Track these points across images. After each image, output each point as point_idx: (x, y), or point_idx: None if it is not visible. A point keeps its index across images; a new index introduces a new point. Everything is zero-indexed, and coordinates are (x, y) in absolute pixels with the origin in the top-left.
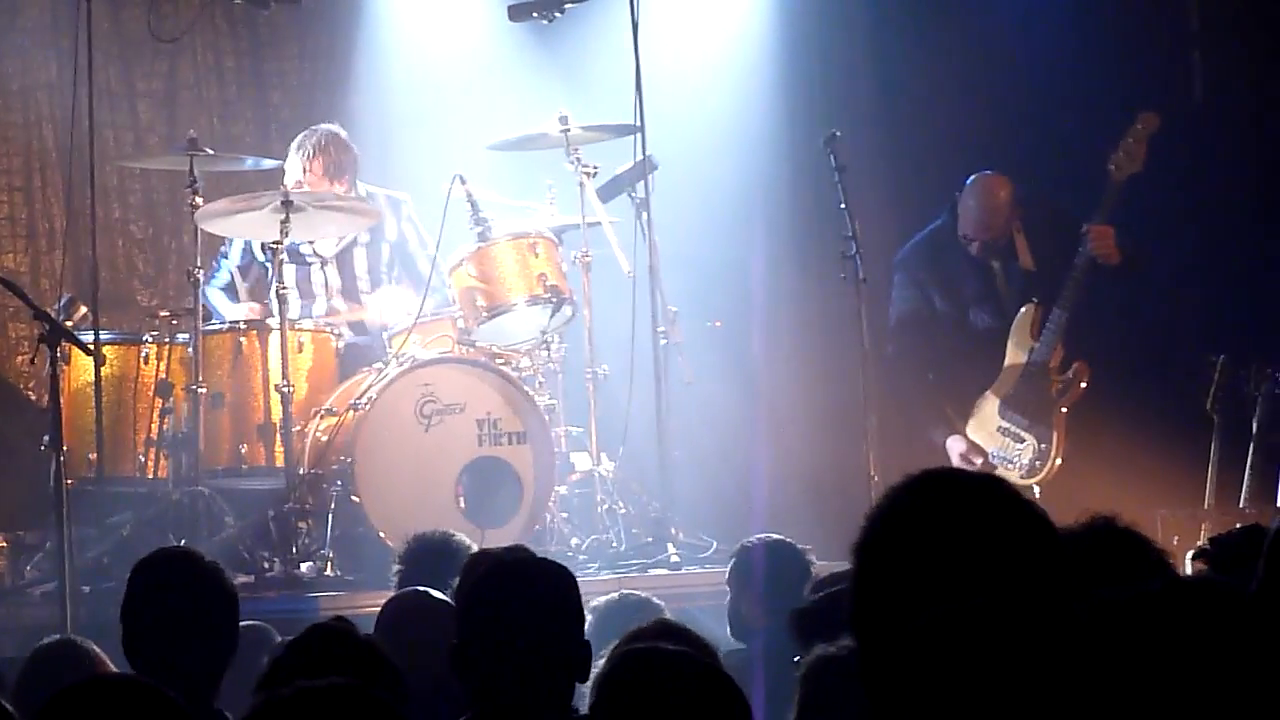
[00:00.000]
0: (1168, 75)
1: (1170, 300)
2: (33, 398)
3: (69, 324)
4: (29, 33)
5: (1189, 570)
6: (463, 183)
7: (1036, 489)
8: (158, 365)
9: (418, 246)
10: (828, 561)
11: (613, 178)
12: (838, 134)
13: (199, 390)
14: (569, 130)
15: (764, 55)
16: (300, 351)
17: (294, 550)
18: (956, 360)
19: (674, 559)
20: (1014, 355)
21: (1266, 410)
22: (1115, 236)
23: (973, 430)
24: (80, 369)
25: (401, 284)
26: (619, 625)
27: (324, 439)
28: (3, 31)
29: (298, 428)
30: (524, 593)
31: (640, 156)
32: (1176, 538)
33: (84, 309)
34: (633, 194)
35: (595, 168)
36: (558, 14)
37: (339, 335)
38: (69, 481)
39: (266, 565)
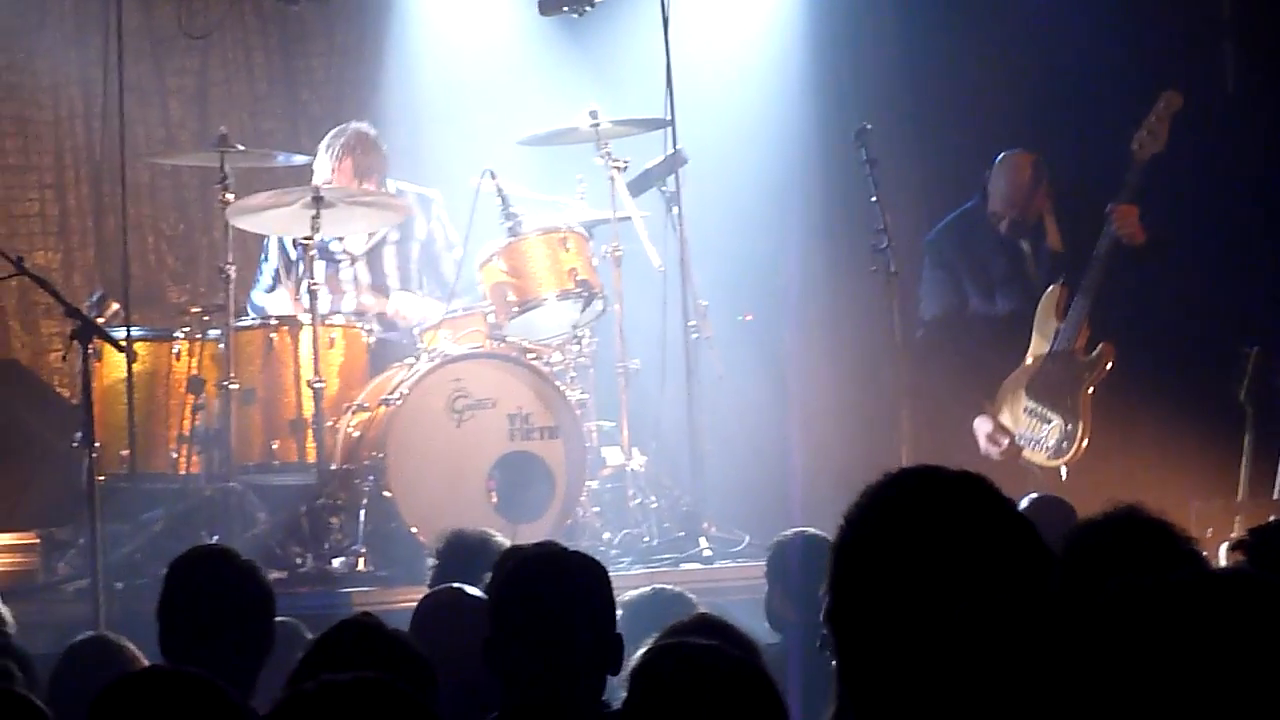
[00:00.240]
0: (1199, 64)
1: (1203, 291)
2: (65, 394)
3: (100, 320)
4: (60, 30)
5: (1224, 561)
6: (493, 177)
7: (1064, 470)
8: (189, 361)
9: (443, 247)
10: None
11: (643, 172)
12: (869, 126)
13: (230, 386)
14: (599, 125)
15: (794, 48)
16: (331, 347)
17: (326, 546)
18: (983, 343)
19: (706, 553)
20: (1039, 336)
21: None
22: (1140, 216)
23: (999, 411)
24: (112, 365)
25: (423, 288)
26: (651, 620)
27: (356, 434)
28: (33, 29)
29: (329, 423)
30: (556, 587)
31: (671, 150)
32: (1210, 529)
33: (115, 305)
34: (663, 188)
35: (626, 162)
36: (588, 8)
37: (370, 331)
38: (101, 478)
39: (299, 561)
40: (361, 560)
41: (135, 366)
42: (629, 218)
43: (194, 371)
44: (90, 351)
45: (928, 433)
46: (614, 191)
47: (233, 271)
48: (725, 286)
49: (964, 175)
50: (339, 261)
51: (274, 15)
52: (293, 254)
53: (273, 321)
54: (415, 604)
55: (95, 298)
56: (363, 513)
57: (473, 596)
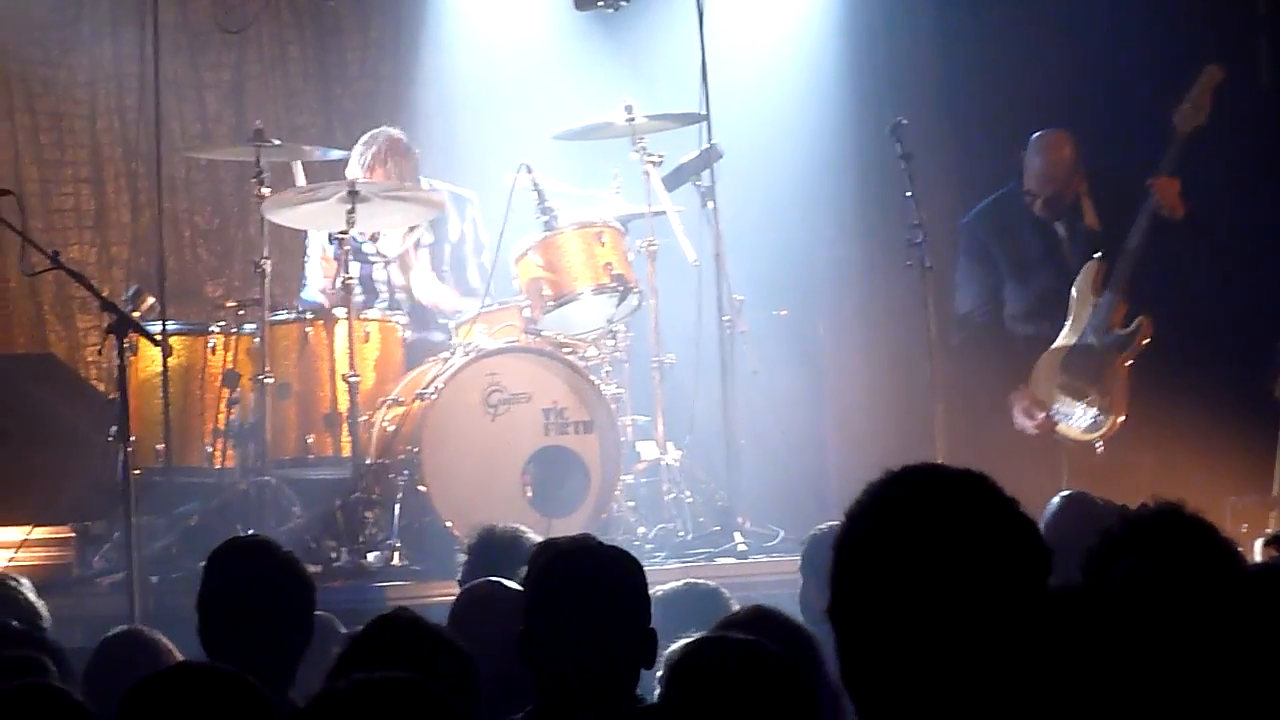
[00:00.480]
0: (1235, 59)
1: (1237, 287)
2: (100, 388)
3: (136, 315)
4: (96, 25)
5: (1259, 557)
6: (528, 172)
7: (1099, 445)
8: (224, 355)
9: (472, 249)
10: None
11: (678, 166)
12: (903, 121)
13: (266, 380)
14: (634, 119)
15: (829, 42)
16: (366, 341)
17: (361, 540)
18: (1016, 339)
19: (741, 548)
20: (1077, 311)
21: None
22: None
23: (1034, 386)
24: (147, 359)
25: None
26: (684, 614)
27: (390, 429)
28: (69, 24)
29: (364, 417)
30: (590, 581)
31: (705, 145)
32: (1245, 525)
33: (151, 300)
34: (698, 183)
35: (660, 156)
36: (623, 2)
37: (404, 325)
38: (136, 472)
39: (333, 555)
40: (396, 554)
41: (171, 361)
42: (664, 212)
43: (229, 365)
44: (126, 346)
45: (962, 427)
46: (649, 186)
47: (268, 266)
48: (760, 281)
49: (1000, 170)
50: (373, 263)
51: (309, 10)
52: (330, 250)
53: (307, 315)
54: (450, 598)
55: (131, 292)
56: (397, 507)
57: (511, 590)
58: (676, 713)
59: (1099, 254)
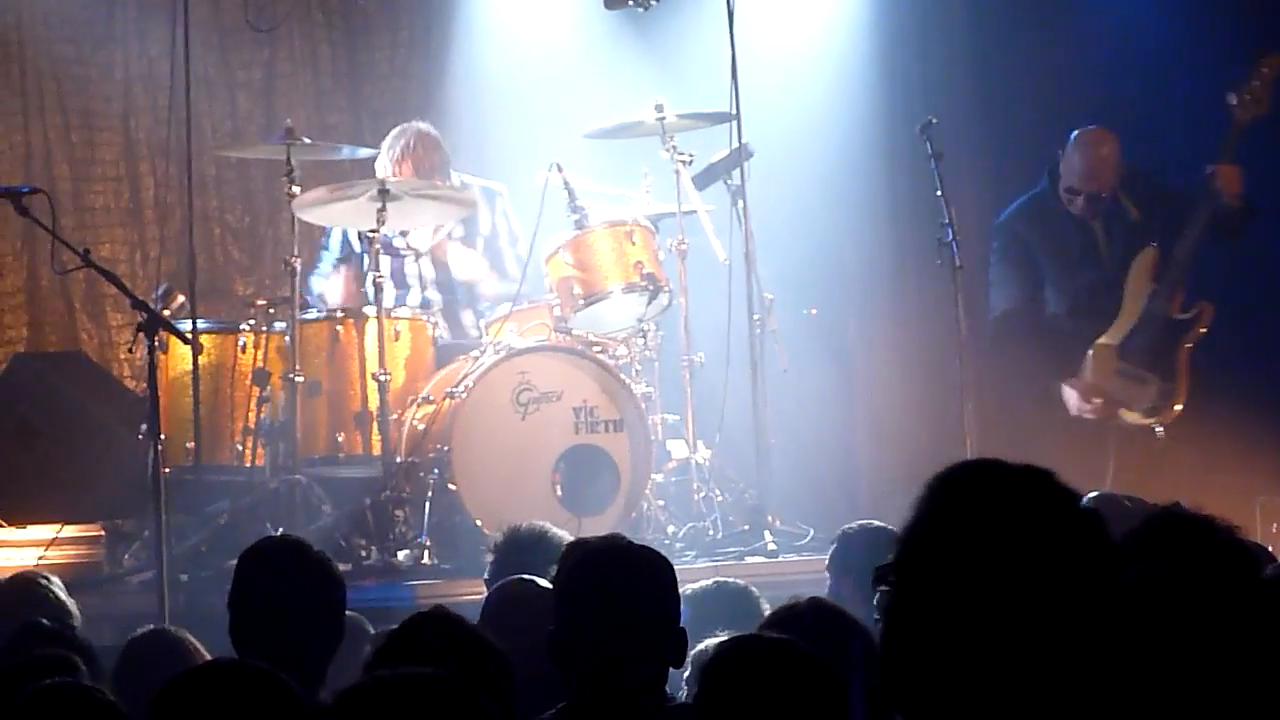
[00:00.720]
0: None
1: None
2: (131, 386)
3: (167, 313)
4: (127, 23)
5: None
6: (559, 170)
7: (1159, 429)
8: (255, 354)
9: (507, 242)
10: None
11: (708, 165)
12: (934, 120)
13: (296, 379)
14: (664, 118)
15: (860, 41)
16: (397, 340)
17: (391, 538)
18: (1055, 337)
19: (771, 547)
20: (1132, 299)
21: None
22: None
23: (1089, 374)
24: (178, 358)
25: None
26: (714, 613)
27: (421, 427)
28: (100, 22)
29: (394, 416)
30: (620, 580)
31: (736, 144)
32: (1276, 525)
33: (181, 298)
34: (728, 181)
35: (691, 155)
36: (653, 2)
37: (435, 324)
38: (166, 470)
39: (363, 554)
40: (426, 553)
41: (201, 359)
42: (694, 211)
43: (259, 364)
44: (156, 344)
45: (994, 426)
46: (679, 185)
47: (298, 264)
48: (790, 280)
49: (1030, 169)
50: (403, 257)
51: (339, 9)
52: (356, 246)
53: (338, 314)
54: (480, 597)
55: (161, 290)
56: (427, 505)
57: (542, 588)
58: (709, 712)
59: (1155, 243)
